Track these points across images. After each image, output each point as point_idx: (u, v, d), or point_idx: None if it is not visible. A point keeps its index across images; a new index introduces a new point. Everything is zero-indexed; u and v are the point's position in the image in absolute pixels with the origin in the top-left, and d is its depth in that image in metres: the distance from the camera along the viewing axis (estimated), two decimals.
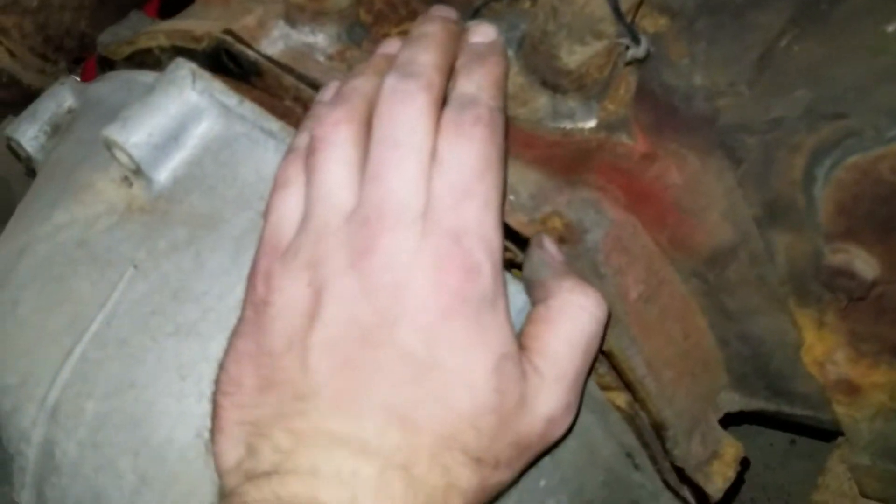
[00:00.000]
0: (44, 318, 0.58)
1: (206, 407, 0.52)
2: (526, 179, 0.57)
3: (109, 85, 0.70)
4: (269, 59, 0.60)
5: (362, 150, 0.48)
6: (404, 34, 0.70)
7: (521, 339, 0.48)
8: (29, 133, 0.74)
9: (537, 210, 0.56)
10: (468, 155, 0.45)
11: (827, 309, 0.51)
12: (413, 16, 0.73)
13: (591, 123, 0.54)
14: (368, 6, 0.66)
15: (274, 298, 0.46)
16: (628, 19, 0.47)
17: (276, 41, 0.62)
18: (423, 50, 0.49)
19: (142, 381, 0.53)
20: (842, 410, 0.56)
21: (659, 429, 0.62)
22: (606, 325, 0.49)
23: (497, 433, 0.44)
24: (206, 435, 0.52)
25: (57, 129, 0.75)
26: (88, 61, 1.02)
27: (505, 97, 0.50)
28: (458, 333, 0.44)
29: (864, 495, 0.64)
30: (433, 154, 0.46)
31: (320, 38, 0.62)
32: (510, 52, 0.55)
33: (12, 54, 0.87)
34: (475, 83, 0.48)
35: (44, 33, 0.86)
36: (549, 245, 0.52)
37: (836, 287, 0.47)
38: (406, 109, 0.46)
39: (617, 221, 0.59)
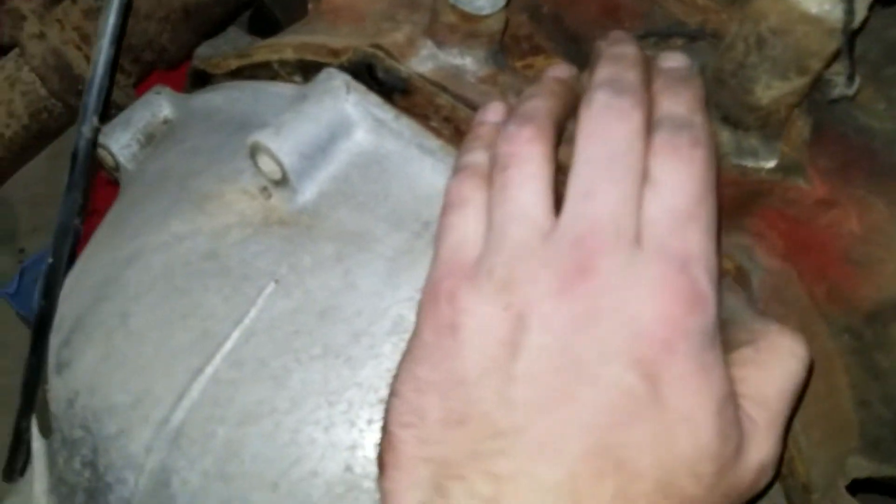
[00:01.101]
0: (164, 333, 0.52)
1: (357, 437, 0.47)
2: None
3: (223, 95, 0.65)
4: (423, 76, 0.56)
5: (554, 170, 0.45)
6: (528, 68, 0.68)
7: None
8: (122, 140, 0.69)
9: None
10: (688, 178, 0.42)
11: None
12: (536, 52, 0.70)
13: (772, 163, 0.51)
14: None
15: (464, 322, 0.42)
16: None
17: (426, 60, 0.58)
18: (628, 68, 0.46)
19: (284, 406, 0.48)
20: None
21: (805, 491, 0.59)
22: (811, 372, 0.45)
23: (714, 481, 0.40)
24: (358, 469, 0.47)
25: (151, 139, 0.70)
26: (153, 76, 0.97)
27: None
28: (681, 370, 0.40)
29: None
30: (645, 177, 0.42)
31: (468, 61, 0.59)
32: None
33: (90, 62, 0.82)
34: (684, 105, 0.45)
35: (126, 42, 0.81)
36: (739, 290, 0.49)
37: None
38: (621, 126, 0.43)
39: (771, 270, 0.56)
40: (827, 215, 0.52)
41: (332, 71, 0.55)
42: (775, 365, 0.44)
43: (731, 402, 0.41)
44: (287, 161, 0.52)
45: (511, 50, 0.70)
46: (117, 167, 0.70)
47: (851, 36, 0.44)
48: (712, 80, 0.51)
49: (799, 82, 0.47)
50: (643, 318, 0.40)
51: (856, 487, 0.66)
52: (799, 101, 0.49)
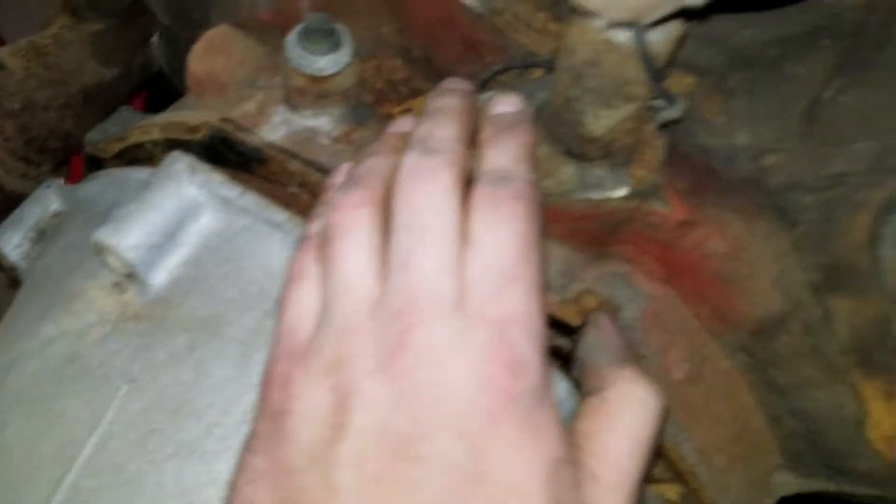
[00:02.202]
0: (32, 443, 0.51)
1: None
2: (554, 255, 0.52)
3: (98, 184, 0.64)
4: (273, 145, 0.55)
5: (382, 236, 0.42)
6: (407, 112, 0.66)
7: (572, 436, 0.41)
8: (13, 241, 0.68)
9: (567, 288, 0.50)
10: (508, 235, 0.39)
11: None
12: (415, 94, 0.68)
13: (622, 192, 0.49)
14: (369, 86, 0.62)
15: (293, 407, 0.39)
16: (661, 79, 0.42)
17: (278, 127, 0.57)
18: (443, 124, 0.44)
19: None
20: None
21: None
22: (665, 420, 0.42)
23: None
24: None
25: (42, 235, 0.69)
26: (73, 162, 0.97)
27: (536, 170, 0.44)
28: (507, 439, 0.37)
29: None
30: (465, 236, 0.40)
31: (323, 121, 0.57)
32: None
33: None
34: (507, 156, 0.43)
35: (27, 135, 0.81)
36: (608, 326, 0.46)
37: None
38: (430, 188, 0.41)
39: (653, 296, 0.53)
40: (690, 236, 0.49)
41: (177, 154, 0.54)
42: (624, 416, 0.41)
43: (566, 465, 0.38)
44: (131, 256, 0.50)
45: (388, 96, 0.68)
46: (13, 267, 0.69)
47: (654, 64, 0.41)
48: (550, 114, 0.48)
49: (627, 109, 0.45)
50: (464, 389, 0.37)
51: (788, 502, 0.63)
52: (637, 126, 0.47)
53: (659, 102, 0.44)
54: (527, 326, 0.38)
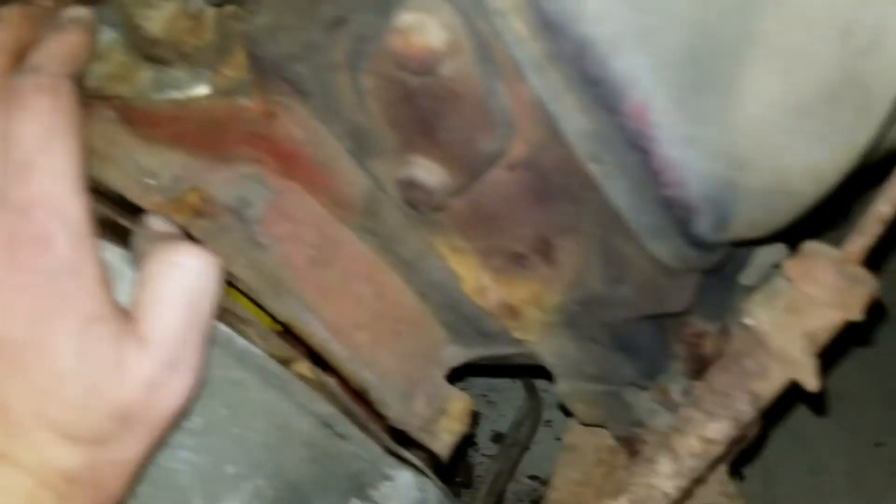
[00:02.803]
0: None
1: None
2: (169, 161, 0.54)
3: None
4: None
5: None
6: None
7: (128, 309, 0.44)
8: None
9: (176, 189, 0.53)
10: (29, 125, 0.42)
11: (450, 231, 0.48)
12: None
13: (202, 91, 0.51)
14: None
15: None
16: None
17: None
18: None
19: None
20: (522, 337, 0.53)
21: (363, 393, 0.59)
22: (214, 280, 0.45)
23: (87, 403, 0.41)
24: None
25: None
26: None
27: (83, 68, 0.47)
28: (33, 305, 0.40)
29: (584, 423, 0.61)
30: None
31: None
32: (113, 34, 0.52)
33: None
34: (43, 53, 0.45)
35: None
36: (155, 222, 0.49)
37: (414, 202, 0.44)
38: None
39: (279, 191, 0.56)
40: (276, 127, 0.52)
41: None
42: (158, 280, 0.44)
43: (98, 323, 0.41)
44: None
45: None
46: None
47: None
48: (124, 23, 0.51)
49: (168, 7, 0.47)
50: None
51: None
52: (197, 24, 0.49)
53: None
54: (52, 207, 0.41)
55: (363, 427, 0.58)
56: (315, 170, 0.54)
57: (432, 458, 0.62)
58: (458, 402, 0.62)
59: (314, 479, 0.56)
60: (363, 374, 0.58)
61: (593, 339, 0.50)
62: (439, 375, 0.63)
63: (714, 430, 0.47)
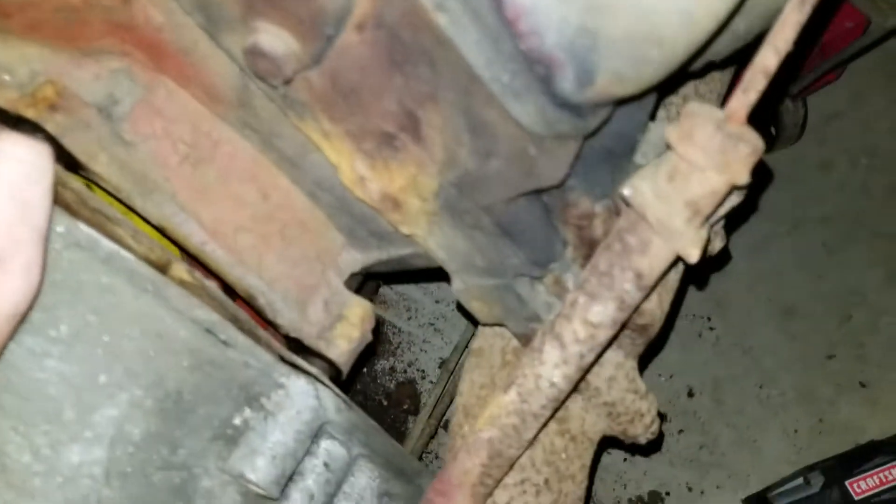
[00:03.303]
0: None
1: None
2: (26, 55, 0.50)
3: None
4: None
5: None
6: None
7: None
8: None
9: (32, 84, 0.49)
10: None
11: (315, 112, 0.45)
12: None
13: None
14: None
15: None
16: None
17: None
18: None
19: None
20: (409, 231, 0.50)
21: (250, 300, 0.56)
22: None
23: None
24: None
25: None
26: None
27: None
28: None
29: (485, 324, 0.58)
30: None
31: None
32: None
33: None
34: None
35: None
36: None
37: (263, 74, 0.41)
38: None
39: (149, 87, 0.53)
40: (133, 11, 0.48)
41: None
42: None
43: None
44: None
45: None
46: None
47: None
48: None
49: None
50: None
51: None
52: None
53: None
54: None
55: (251, 334, 0.55)
56: (183, 60, 0.50)
57: (336, 369, 0.59)
58: (358, 308, 0.59)
59: (199, 389, 0.53)
60: (248, 280, 0.55)
61: (477, 227, 0.47)
62: (338, 281, 0.60)
63: (597, 312, 0.44)
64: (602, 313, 0.44)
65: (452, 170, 0.44)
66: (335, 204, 0.56)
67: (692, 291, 1.38)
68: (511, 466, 0.52)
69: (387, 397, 1.26)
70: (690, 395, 1.31)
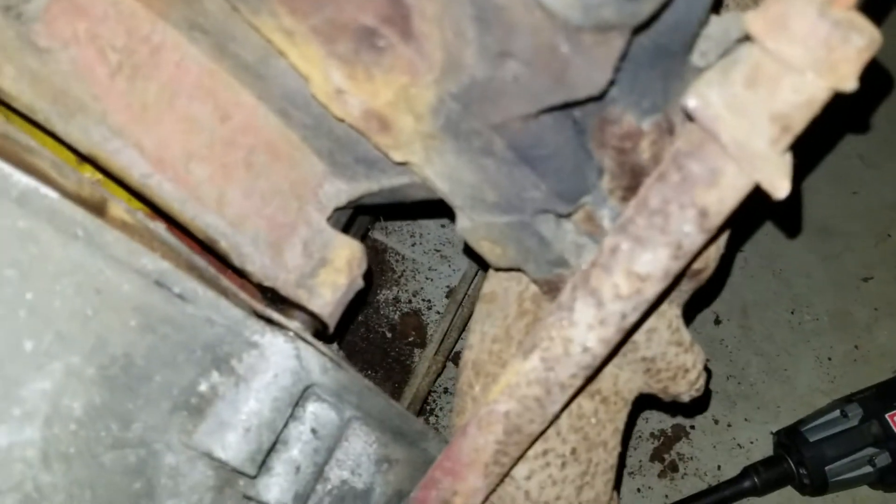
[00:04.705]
0: None
1: None
2: None
3: None
4: None
5: None
6: None
7: None
8: None
9: None
10: None
11: (273, 6, 0.34)
12: None
13: None
14: None
15: None
16: None
17: None
18: None
19: None
20: (402, 158, 0.40)
21: (212, 244, 0.46)
22: None
23: None
24: None
25: None
26: None
27: None
28: None
29: (497, 268, 0.48)
30: None
31: None
32: None
33: None
34: None
35: None
36: None
37: None
38: None
39: None
40: None
41: None
42: None
43: None
44: None
45: None
46: None
47: None
48: None
49: None
50: None
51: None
52: None
53: None
54: None
55: (213, 285, 0.45)
56: None
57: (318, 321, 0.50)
58: (344, 249, 0.49)
59: (152, 352, 0.44)
60: (206, 219, 0.44)
61: (488, 152, 0.36)
62: (320, 218, 0.49)
63: (646, 262, 0.34)
64: (652, 263, 0.34)
65: (455, 77, 0.33)
66: (311, 124, 0.45)
67: None
68: (532, 443, 0.43)
69: (391, 329, 1.17)
70: (717, 322, 1.21)
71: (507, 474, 0.44)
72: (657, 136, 0.37)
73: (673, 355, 0.49)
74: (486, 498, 0.45)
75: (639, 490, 1.11)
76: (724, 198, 0.32)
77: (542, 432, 0.42)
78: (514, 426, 0.41)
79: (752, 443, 1.14)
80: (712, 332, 1.22)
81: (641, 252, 0.34)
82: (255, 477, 0.48)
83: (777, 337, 1.22)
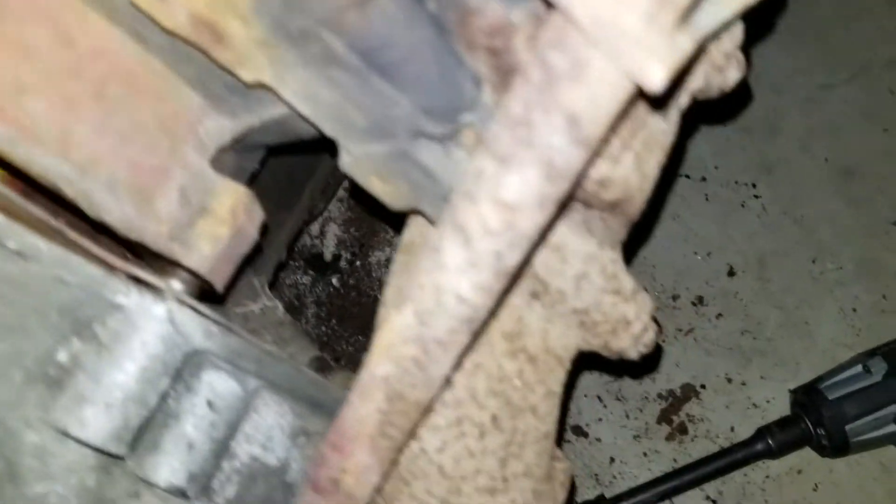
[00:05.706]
0: None
1: None
2: None
3: None
4: None
5: None
6: None
7: None
8: None
9: None
10: None
11: None
12: None
13: None
14: None
15: None
16: None
17: None
18: None
19: None
20: (251, 77, 0.33)
21: (56, 190, 0.40)
22: None
23: None
24: None
25: None
26: None
27: None
28: None
29: (394, 209, 0.41)
30: None
31: None
32: None
33: None
34: None
35: None
36: None
37: None
38: None
39: None
40: None
41: None
42: None
43: None
44: None
45: None
46: None
47: None
48: None
49: None
50: None
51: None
52: None
53: None
54: None
55: (60, 239, 0.39)
56: None
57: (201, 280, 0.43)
58: (228, 195, 0.43)
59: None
60: (44, 162, 0.38)
61: (330, 59, 0.29)
62: (200, 160, 0.43)
63: (514, 186, 0.26)
64: (521, 187, 0.27)
65: None
66: (168, 46, 0.39)
67: (734, 153, 1.18)
68: (425, 411, 0.36)
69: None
70: (731, 273, 1.12)
71: (401, 448, 0.38)
72: (534, 29, 0.30)
73: (610, 305, 0.41)
74: (387, 475, 0.39)
75: (645, 454, 1.04)
76: (596, 97, 0.25)
77: (432, 399, 0.35)
78: (395, 392, 0.34)
79: (768, 402, 1.05)
80: (726, 284, 1.13)
81: (506, 174, 0.27)
82: (135, 455, 0.43)
83: (797, 288, 1.12)
